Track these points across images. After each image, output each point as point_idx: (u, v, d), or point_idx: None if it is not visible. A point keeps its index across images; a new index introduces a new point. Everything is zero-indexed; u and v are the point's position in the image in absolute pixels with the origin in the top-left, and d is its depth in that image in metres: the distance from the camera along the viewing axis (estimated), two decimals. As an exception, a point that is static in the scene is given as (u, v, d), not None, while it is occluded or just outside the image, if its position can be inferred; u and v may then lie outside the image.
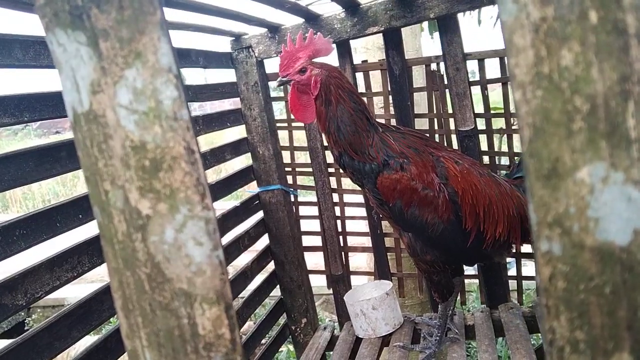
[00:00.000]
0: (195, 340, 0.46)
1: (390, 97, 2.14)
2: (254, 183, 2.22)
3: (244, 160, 2.73)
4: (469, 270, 2.23)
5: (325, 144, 2.09)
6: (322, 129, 1.67)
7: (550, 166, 0.35)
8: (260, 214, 2.19)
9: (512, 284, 2.19)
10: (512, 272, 2.22)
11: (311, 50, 1.66)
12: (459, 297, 2.15)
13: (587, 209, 0.35)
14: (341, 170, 2.09)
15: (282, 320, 2.32)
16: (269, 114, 2.15)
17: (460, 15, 2.02)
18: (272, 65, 2.17)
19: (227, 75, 2.19)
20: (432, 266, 1.75)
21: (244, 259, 2.16)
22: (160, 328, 0.47)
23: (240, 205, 2.05)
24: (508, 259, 2.13)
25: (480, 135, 2.06)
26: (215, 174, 5.49)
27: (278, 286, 2.26)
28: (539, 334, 1.95)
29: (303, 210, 2.33)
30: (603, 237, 0.35)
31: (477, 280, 2.25)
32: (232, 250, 1.95)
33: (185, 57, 1.89)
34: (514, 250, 1.91)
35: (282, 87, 2.00)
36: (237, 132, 2.37)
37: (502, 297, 2.14)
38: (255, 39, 2.11)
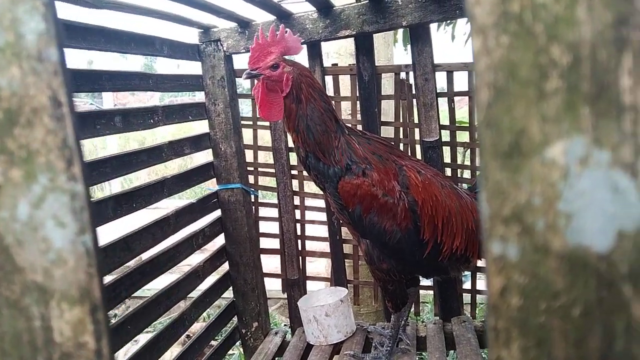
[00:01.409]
0: (49, 348, 0.34)
1: (358, 103, 2.05)
2: (214, 180, 2.09)
3: (208, 157, 2.59)
4: (425, 281, 2.15)
5: (290, 145, 1.98)
6: (290, 127, 1.56)
7: (513, 140, 0.25)
8: (217, 213, 2.06)
9: (467, 298, 2.12)
10: (467, 285, 2.15)
11: (283, 46, 1.57)
12: (412, 308, 2.06)
13: (557, 201, 0.25)
14: (305, 173, 1.99)
15: (233, 323, 2.18)
16: (234, 111, 2.03)
17: (434, 30, 1.96)
18: (240, 61, 2.06)
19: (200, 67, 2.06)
20: (388, 275, 1.66)
21: (197, 258, 2.03)
22: (5, 331, 0.35)
23: (197, 202, 1.91)
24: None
25: (444, 147, 1.99)
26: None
27: (231, 288, 2.13)
28: (491, 350, 1.86)
29: (263, 212, 2.20)
30: (576, 240, 0.25)
31: (432, 292, 2.17)
32: (184, 249, 1.81)
33: (148, 44, 1.76)
34: (470, 265, 1.84)
35: (246, 82, 1.89)
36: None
37: (456, 310, 2.06)
38: (224, 32, 1.99)
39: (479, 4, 0.25)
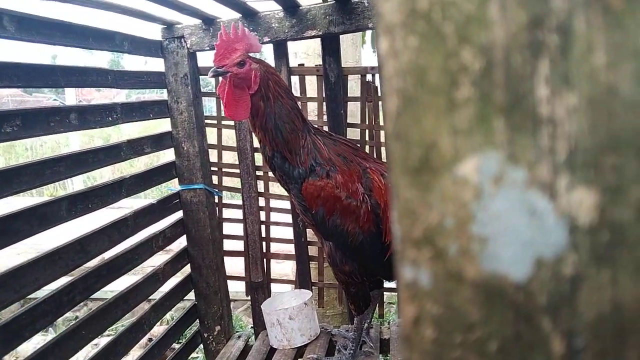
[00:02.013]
0: None
1: (325, 104, 2.02)
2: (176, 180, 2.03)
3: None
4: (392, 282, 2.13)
5: (256, 145, 1.94)
6: (258, 126, 1.52)
7: (422, 154, 0.22)
8: (179, 214, 2.00)
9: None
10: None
11: (246, 43, 1.53)
12: (377, 310, 2.05)
13: (470, 223, 0.22)
14: (270, 173, 1.95)
15: (196, 326, 2.13)
16: (198, 109, 1.98)
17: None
18: (205, 58, 2.01)
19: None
20: (350, 277, 1.64)
21: (160, 259, 1.97)
22: None
23: (157, 203, 1.85)
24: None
25: (409, 149, 1.98)
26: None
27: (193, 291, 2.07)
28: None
29: (226, 213, 2.15)
30: (492, 267, 0.22)
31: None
32: (143, 251, 1.75)
33: (108, 39, 1.70)
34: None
35: (212, 79, 1.84)
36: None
37: (421, 312, 2.06)
38: (188, 29, 1.94)
39: (387, 0, 0.22)
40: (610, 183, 0.20)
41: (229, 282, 2.15)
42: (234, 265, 2.27)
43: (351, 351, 1.78)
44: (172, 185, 2.15)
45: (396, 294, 2.25)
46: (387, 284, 1.96)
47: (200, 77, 2.03)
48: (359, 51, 2.68)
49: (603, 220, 0.21)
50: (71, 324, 1.50)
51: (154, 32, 1.99)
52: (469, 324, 0.22)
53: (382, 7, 0.22)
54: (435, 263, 0.23)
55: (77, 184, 5.76)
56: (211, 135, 2.10)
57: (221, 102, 1.58)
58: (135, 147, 1.75)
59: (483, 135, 0.21)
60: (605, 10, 0.19)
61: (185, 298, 2.07)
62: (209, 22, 1.92)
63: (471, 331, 0.22)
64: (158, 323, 1.94)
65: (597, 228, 0.21)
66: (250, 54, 1.54)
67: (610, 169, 0.20)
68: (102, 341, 2.36)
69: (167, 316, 2.74)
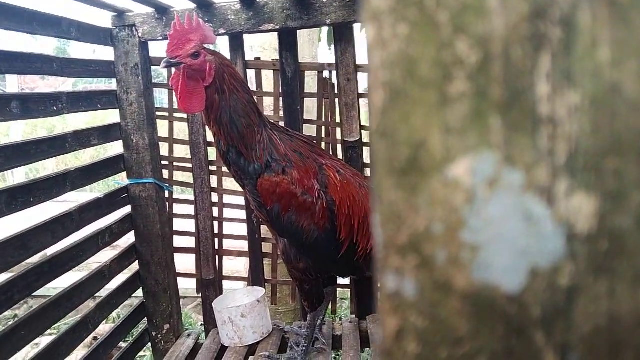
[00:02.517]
0: None
1: (281, 99, 1.99)
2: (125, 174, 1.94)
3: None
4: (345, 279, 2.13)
5: (210, 139, 1.88)
6: (212, 120, 1.46)
7: (410, 154, 0.20)
8: (127, 209, 1.91)
9: (383, 296, 2.13)
10: (384, 284, 2.16)
11: (201, 34, 1.47)
12: (330, 306, 2.04)
13: (460, 229, 0.20)
14: (224, 168, 1.90)
15: (144, 324, 2.05)
16: (148, 101, 1.89)
17: (358, 31, 1.94)
18: (157, 48, 1.93)
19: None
20: (305, 274, 1.62)
21: (107, 255, 1.88)
22: None
23: (104, 197, 1.76)
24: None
25: (364, 148, 1.98)
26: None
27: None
28: (404, 347, 1.88)
29: (177, 209, 2.08)
30: (483, 277, 0.20)
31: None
32: (89, 247, 1.66)
33: (54, 25, 1.59)
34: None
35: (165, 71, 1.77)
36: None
37: (372, 308, 2.07)
38: (140, 17, 1.85)
39: (375, -16, 0.20)
40: (611, 188, 0.19)
41: (179, 279, 2.08)
42: (185, 262, 2.20)
43: (304, 348, 1.76)
44: (120, 179, 2.06)
45: (349, 290, 2.25)
46: (340, 280, 1.96)
47: (152, 67, 1.95)
48: (315, 48, 2.65)
49: (602, 228, 0.19)
50: (9, 323, 1.40)
51: (103, 19, 1.89)
52: (456, 338, 0.21)
53: (368, -9, 0.20)
54: (421, 272, 0.21)
55: (18, 176, 5.44)
56: (162, 127, 2.02)
57: (174, 94, 1.52)
58: (81, 139, 1.66)
59: (478, 134, 0.19)
60: (611, 3, 0.18)
61: (133, 296, 1.98)
62: (162, 11, 1.84)
63: (459, 346, 0.21)
64: (104, 322, 1.85)
65: (596, 236, 0.19)
66: (205, 46, 1.49)
67: (611, 173, 0.19)
68: (43, 341, 2.24)
69: (114, 314, 2.63)
